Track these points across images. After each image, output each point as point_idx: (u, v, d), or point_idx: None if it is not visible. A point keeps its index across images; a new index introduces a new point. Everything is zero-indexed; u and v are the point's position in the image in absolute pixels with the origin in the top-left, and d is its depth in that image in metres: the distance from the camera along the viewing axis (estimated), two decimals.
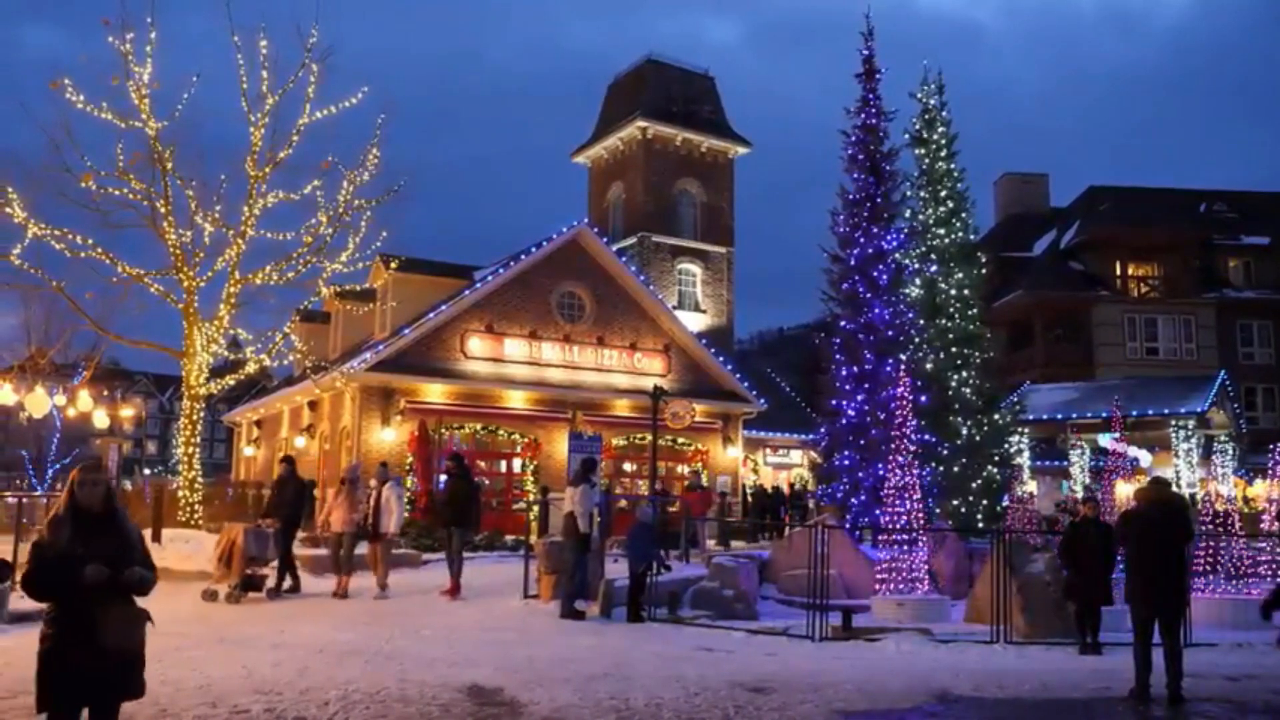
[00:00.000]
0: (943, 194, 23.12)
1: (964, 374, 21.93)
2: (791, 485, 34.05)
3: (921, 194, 23.20)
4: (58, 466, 39.28)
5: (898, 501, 15.00)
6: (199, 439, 21.79)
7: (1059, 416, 32.09)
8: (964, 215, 23.25)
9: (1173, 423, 30.80)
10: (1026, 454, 30.32)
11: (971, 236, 23.76)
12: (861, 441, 20.05)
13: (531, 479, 25.34)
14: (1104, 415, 28.79)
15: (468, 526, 15.13)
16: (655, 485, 22.53)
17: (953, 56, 54.05)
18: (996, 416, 22.35)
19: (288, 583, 14.15)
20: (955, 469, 20.81)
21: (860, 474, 19.88)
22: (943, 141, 23.41)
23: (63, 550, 4.34)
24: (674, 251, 37.67)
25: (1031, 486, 27.98)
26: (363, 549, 14.82)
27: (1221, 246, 43.21)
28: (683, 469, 28.22)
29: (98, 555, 4.34)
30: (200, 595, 13.11)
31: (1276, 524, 13.99)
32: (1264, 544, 14.19)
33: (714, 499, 25.60)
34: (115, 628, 4.34)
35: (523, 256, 26.29)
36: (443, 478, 18.60)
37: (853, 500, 19.78)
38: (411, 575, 16.34)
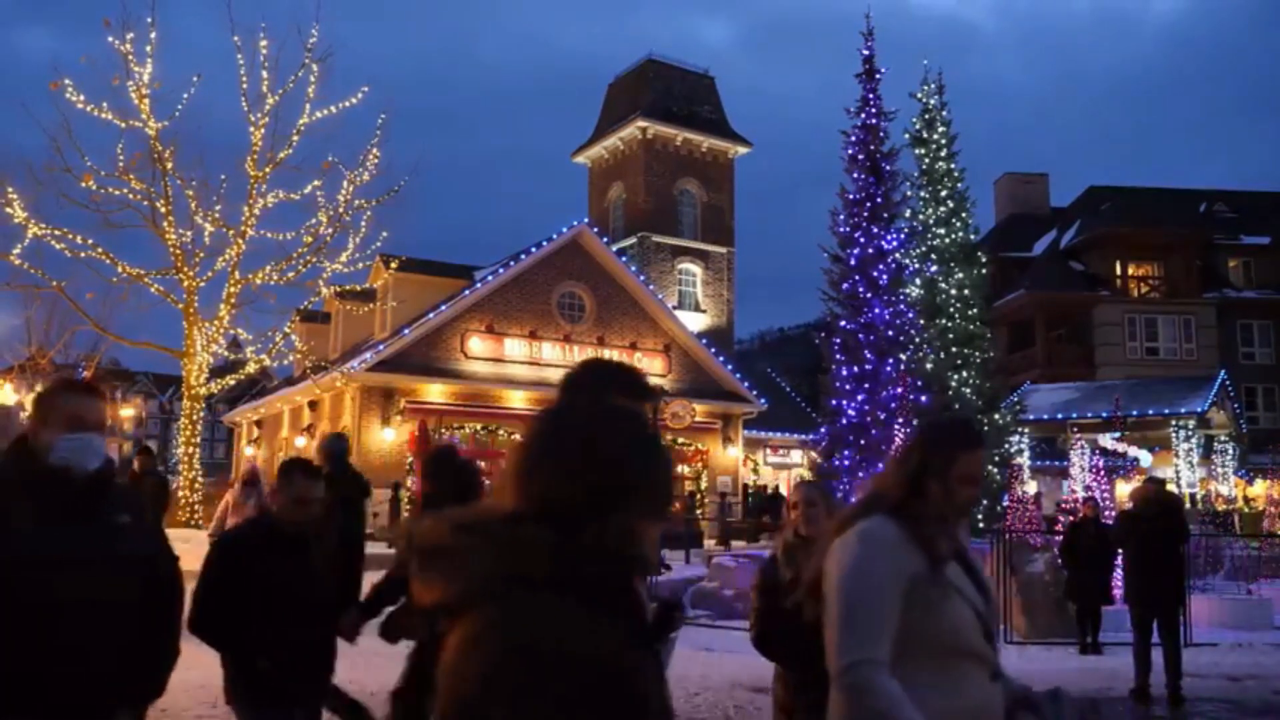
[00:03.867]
0: (943, 194, 23.11)
1: (964, 374, 21.93)
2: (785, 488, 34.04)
3: (922, 194, 23.18)
4: None
5: None
6: (199, 439, 21.82)
7: (1059, 416, 32.06)
8: (964, 215, 23.25)
9: (1173, 423, 30.74)
10: (1027, 454, 30.30)
11: (972, 236, 23.76)
12: (862, 441, 20.04)
13: None
14: (1104, 415, 28.79)
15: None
16: None
17: (948, 56, 54.16)
18: (997, 416, 22.37)
19: None
20: None
21: (861, 474, 19.86)
22: (943, 141, 23.39)
23: None
24: (674, 251, 37.66)
25: (1032, 486, 27.96)
26: None
27: (1222, 246, 43.17)
28: (684, 469, 28.24)
29: None
30: None
31: None
32: None
33: None
34: None
35: (523, 256, 26.29)
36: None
37: (853, 500, 19.77)
38: None
